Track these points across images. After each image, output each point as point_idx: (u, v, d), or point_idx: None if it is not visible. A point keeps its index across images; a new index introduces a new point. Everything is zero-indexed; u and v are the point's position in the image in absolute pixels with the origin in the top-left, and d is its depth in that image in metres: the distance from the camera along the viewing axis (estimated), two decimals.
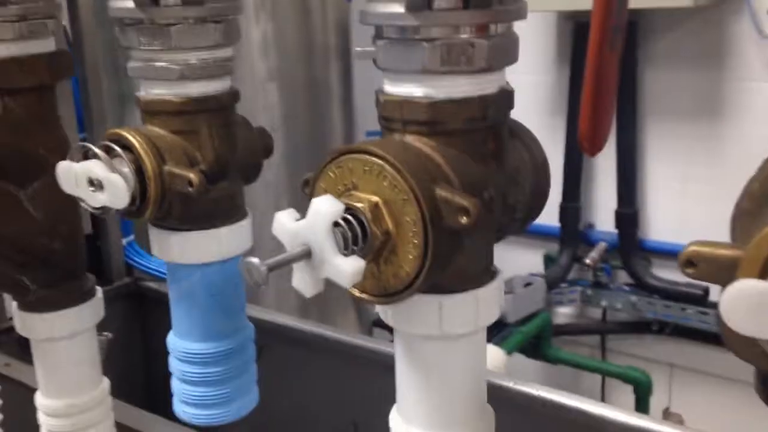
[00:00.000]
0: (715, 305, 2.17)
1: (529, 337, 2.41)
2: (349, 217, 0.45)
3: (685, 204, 2.50)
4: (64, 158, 0.73)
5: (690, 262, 0.40)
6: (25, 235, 0.75)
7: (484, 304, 0.51)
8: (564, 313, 2.73)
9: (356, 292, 0.49)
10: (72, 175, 0.60)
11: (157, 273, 1.54)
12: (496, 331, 2.34)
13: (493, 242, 0.52)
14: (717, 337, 2.41)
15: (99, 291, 0.83)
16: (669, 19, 2.34)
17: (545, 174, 0.54)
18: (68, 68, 0.75)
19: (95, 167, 0.58)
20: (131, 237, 1.56)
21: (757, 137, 2.23)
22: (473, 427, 0.54)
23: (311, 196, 0.49)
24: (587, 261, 2.57)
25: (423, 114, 0.48)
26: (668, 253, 2.47)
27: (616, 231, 2.55)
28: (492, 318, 0.53)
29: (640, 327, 2.60)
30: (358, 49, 0.50)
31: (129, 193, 0.58)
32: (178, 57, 0.60)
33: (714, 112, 2.37)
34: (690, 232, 2.55)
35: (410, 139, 0.48)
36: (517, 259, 2.69)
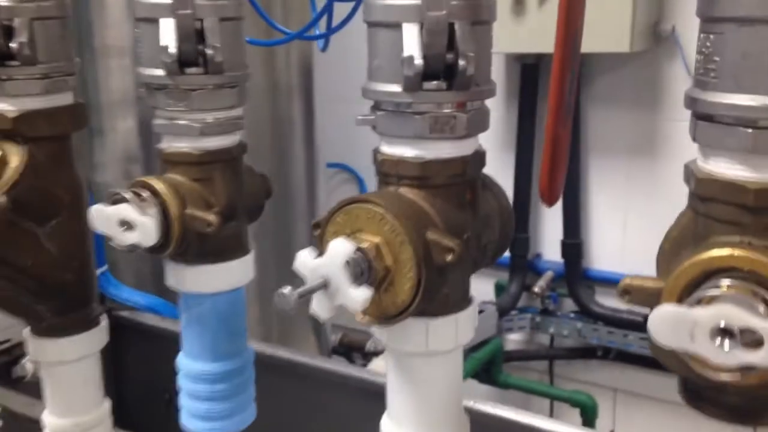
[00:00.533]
0: None
1: (481, 363, 2.53)
2: (357, 256, 0.57)
3: (626, 235, 2.67)
4: (79, 199, 0.83)
5: (625, 291, 0.52)
6: (42, 267, 0.84)
7: (462, 325, 0.63)
8: (514, 340, 2.87)
9: (360, 317, 0.60)
10: (104, 216, 0.70)
11: (129, 302, 1.62)
12: None
13: (469, 275, 0.65)
14: (657, 362, 2.58)
15: (104, 319, 0.92)
16: (609, 63, 2.53)
17: (510, 219, 0.67)
18: (85, 119, 0.85)
19: (127, 210, 0.69)
20: (105, 267, 1.63)
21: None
22: (454, 428, 0.66)
23: (321, 237, 0.60)
24: (535, 289, 2.71)
25: (415, 171, 0.60)
26: (611, 282, 2.63)
27: (562, 260, 2.70)
28: (468, 337, 0.64)
29: (585, 352, 2.75)
30: (359, 117, 0.62)
31: (158, 234, 0.68)
32: (198, 116, 0.71)
33: (651, 149, 2.56)
34: (630, 262, 2.74)
35: (403, 190, 0.60)
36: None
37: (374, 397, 0.78)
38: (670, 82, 2.47)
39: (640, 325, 2.60)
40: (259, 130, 2.13)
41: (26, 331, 0.89)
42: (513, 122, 2.68)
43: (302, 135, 2.33)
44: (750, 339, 0.45)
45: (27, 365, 1.37)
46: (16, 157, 0.81)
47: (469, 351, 2.52)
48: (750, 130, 0.46)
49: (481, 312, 2.64)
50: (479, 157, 0.62)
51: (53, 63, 0.81)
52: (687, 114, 2.14)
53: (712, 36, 0.48)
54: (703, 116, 0.50)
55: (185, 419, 0.81)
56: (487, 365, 2.56)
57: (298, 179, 2.23)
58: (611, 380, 2.73)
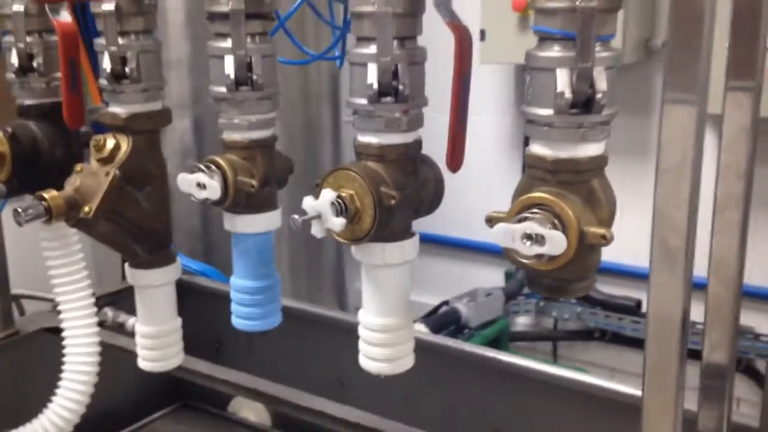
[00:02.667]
0: (645, 315, 2.76)
1: (488, 340, 2.95)
2: (339, 200, 1.00)
3: (621, 229, 3.05)
4: (164, 173, 1.28)
5: (489, 220, 0.94)
6: (140, 219, 1.29)
7: (407, 248, 1.07)
8: (521, 323, 3.28)
9: (339, 238, 1.03)
10: (186, 180, 1.15)
11: (185, 267, 2.08)
12: (460, 334, 2.88)
13: (411, 216, 1.08)
14: None
15: (178, 258, 1.37)
16: None
17: (441, 184, 1.10)
18: (169, 118, 1.31)
19: (201, 176, 1.14)
20: None
21: None
22: (404, 314, 1.09)
23: (318, 189, 1.03)
24: None
25: (376, 151, 1.03)
26: (608, 271, 3.03)
27: None
28: (411, 256, 1.08)
29: (585, 335, 3.15)
30: (345, 118, 1.05)
31: (221, 192, 1.13)
32: (247, 117, 1.16)
33: (644, 152, 2.96)
34: (625, 252, 3.12)
35: (369, 163, 1.04)
36: (481, 275, 3.25)
37: None
38: (659, 91, 2.86)
39: (633, 310, 3.00)
40: (293, 131, 2.60)
41: (126, 265, 1.34)
42: (520, 125, 3.10)
43: (330, 137, 2.80)
44: (540, 241, 0.87)
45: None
46: (125, 144, 1.26)
47: (478, 329, 2.95)
48: (545, 128, 0.89)
49: (489, 296, 3.07)
50: (417, 143, 1.06)
51: (150, 81, 1.26)
52: None
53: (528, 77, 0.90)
54: (527, 121, 0.92)
55: (234, 320, 1.26)
56: (494, 342, 2.97)
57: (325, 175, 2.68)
58: (608, 360, 3.13)
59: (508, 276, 3.23)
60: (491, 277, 3.24)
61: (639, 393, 1.50)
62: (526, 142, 3.12)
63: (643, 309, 2.97)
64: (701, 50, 0.74)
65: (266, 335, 2.17)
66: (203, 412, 2.14)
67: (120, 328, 1.94)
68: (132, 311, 1.92)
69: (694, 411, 1.03)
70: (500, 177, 3.07)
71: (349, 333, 1.98)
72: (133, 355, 1.78)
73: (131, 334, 1.88)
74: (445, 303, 2.94)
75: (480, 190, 2.74)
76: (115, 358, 1.63)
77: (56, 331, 1.89)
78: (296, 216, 0.98)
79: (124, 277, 2.21)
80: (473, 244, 3.20)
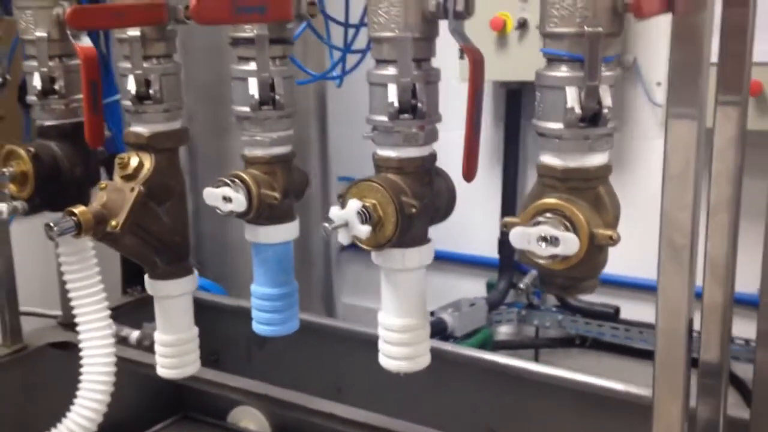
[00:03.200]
0: (624, 322, 2.90)
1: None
2: (364, 209, 1.09)
3: None
4: (183, 189, 1.36)
5: (505, 225, 1.03)
6: (160, 232, 1.36)
7: (424, 252, 1.15)
8: (503, 332, 3.37)
9: (363, 245, 1.12)
10: (213, 195, 1.22)
11: None
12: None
13: (428, 224, 1.16)
14: (626, 349, 3.07)
15: (195, 270, 1.44)
16: None
17: (453, 194, 1.19)
18: (188, 137, 1.38)
19: (226, 190, 1.21)
20: None
21: (653, 184, 2.92)
22: (421, 315, 1.18)
23: (343, 199, 1.12)
24: (521, 286, 3.23)
25: (395, 164, 1.12)
26: None
27: None
28: (428, 260, 1.16)
29: (566, 342, 3.26)
30: (365, 134, 1.14)
31: (246, 204, 1.21)
32: (268, 135, 1.24)
33: (618, 165, 3.07)
34: None
35: (389, 174, 1.12)
36: (463, 286, 3.35)
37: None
38: (633, 106, 2.99)
39: (612, 317, 3.11)
40: None
41: (146, 276, 1.41)
42: (500, 140, 3.21)
43: (318, 152, 2.88)
44: (555, 242, 0.96)
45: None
46: (148, 161, 1.33)
47: (462, 338, 3.04)
48: (556, 140, 0.98)
49: (472, 305, 3.16)
50: (432, 156, 1.15)
51: (171, 102, 1.33)
52: (649, 133, 2.94)
53: (538, 94, 1.00)
54: (539, 134, 1.02)
55: (255, 326, 1.33)
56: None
57: (314, 190, 2.77)
58: (589, 366, 3.23)
59: (490, 286, 3.33)
60: (474, 287, 3.33)
61: (630, 390, 1.61)
62: (506, 159, 3.20)
63: (622, 315, 3.09)
64: (701, 68, 0.84)
65: (264, 346, 2.24)
66: (203, 424, 2.20)
67: (123, 342, 1.99)
68: (132, 325, 1.99)
69: (692, 407, 1.12)
70: (480, 191, 3.17)
71: (346, 341, 2.07)
72: (135, 367, 1.84)
73: (134, 347, 1.94)
74: (431, 313, 3.03)
75: (462, 204, 2.82)
76: (118, 371, 1.69)
77: (63, 346, 1.95)
78: (326, 224, 1.06)
79: (124, 293, 2.28)
80: (456, 256, 3.30)
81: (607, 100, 0.96)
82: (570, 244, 0.96)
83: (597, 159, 1.00)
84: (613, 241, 0.97)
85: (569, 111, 0.96)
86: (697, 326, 1.04)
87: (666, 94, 0.90)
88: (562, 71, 0.97)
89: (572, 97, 0.96)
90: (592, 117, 0.96)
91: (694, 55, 0.85)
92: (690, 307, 0.91)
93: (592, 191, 1.00)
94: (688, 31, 0.85)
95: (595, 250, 0.98)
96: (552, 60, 0.99)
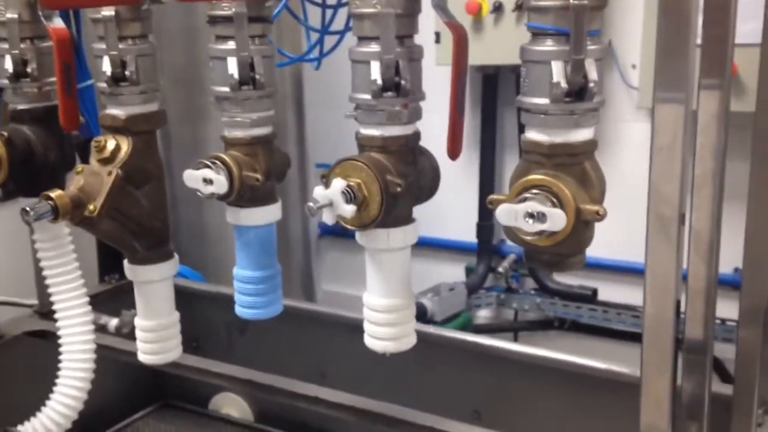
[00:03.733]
0: (602, 303, 2.91)
1: None
2: (348, 188, 1.07)
3: None
4: (161, 172, 1.33)
5: (490, 202, 1.02)
6: (139, 216, 1.33)
7: (409, 232, 1.14)
8: (483, 315, 3.38)
9: (348, 225, 1.10)
10: (193, 176, 1.20)
11: None
12: None
13: (413, 203, 1.15)
14: (604, 330, 3.09)
15: (175, 254, 1.41)
16: None
17: (437, 173, 1.18)
18: (165, 120, 1.36)
19: (207, 172, 1.19)
20: None
21: (629, 165, 2.93)
22: (406, 295, 1.17)
23: (327, 179, 1.10)
24: (500, 270, 3.24)
25: (379, 143, 1.10)
26: None
27: None
28: (413, 240, 1.15)
29: (545, 324, 3.27)
30: (348, 113, 1.12)
31: (227, 186, 1.18)
32: (248, 115, 1.22)
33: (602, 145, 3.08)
34: None
35: (373, 153, 1.11)
36: (442, 271, 3.35)
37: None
38: (609, 88, 3.00)
39: (589, 298, 3.13)
40: None
41: (125, 261, 1.39)
42: (477, 125, 3.21)
43: (295, 137, 2.86)
44: (542, 218, 0.95)
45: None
46: (125, 144, 1.30)
47: (443, 322, 3.04)
48: (542, 116, 0.98)
49: (452, 290, 3.16)
50: (416, 134, 1.13)
51: (148, 83, 1.31)
52: (625, 115, 2.93)
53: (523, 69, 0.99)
54: (524, 110, 1.01)
55: (238, 310, 1.31)
56: None
57: (292, 175, 2.72)
58: (568, 347, 3.25)
59: (469, 271, 3.33)
60: (453, 272, 3.33)
61: (611, 368, 1.62)
62: (483, 144, 3.19)
63: (600, 297, 3.11)
64: (689, 40, 0.83)
65: (245, 332, 2.22)
66: (184, 411, 2.18)
67: (102, 330, 1.96)
68: (110, 313, 1.96)
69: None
70: (458, 176, 3.17)
71: (328, 325, 2.06)
72: (114, 355, 1.82)
73: (112, 335, 1.92)
74: None
75: (440, 189, 2.83)
76: (97, 359, 1.66)
77: (39, 335, 1.91)
78: (311, 204, 1.05)
79: (101, 281, 2.24)
80: (435, 241, 3.29)
81: (593, 74, 0.95)
82: (557, 219, 0.95)
83: (583, 134, 0.99)
84: (600, 216, 0.97)
85: (555, 86, 0.95)
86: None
87: (654, 73, 0.89)
88: (548, 45, 0.96)
89: (558, 71, 0.95)
90: (578, 91, 0.96)
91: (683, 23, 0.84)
92: (678, 280, 0.91)
93: (578, 167, 1.00)
94: (675, 12, 0.84)
95: (582, 226, 0.98)
96: (537, 34, 0.98)
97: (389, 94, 1.08)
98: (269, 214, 1.28)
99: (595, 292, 3.11)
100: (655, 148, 0.86)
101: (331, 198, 1.06)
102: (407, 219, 1.15)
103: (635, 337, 1.91)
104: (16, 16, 1.37)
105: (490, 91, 3.15)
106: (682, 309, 1.04)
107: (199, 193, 1.21)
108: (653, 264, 0.90)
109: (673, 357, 0.95)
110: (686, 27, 0.92)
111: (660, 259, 0.89)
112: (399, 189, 1.08)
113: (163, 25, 2.49)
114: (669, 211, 0.87)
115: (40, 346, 1.88)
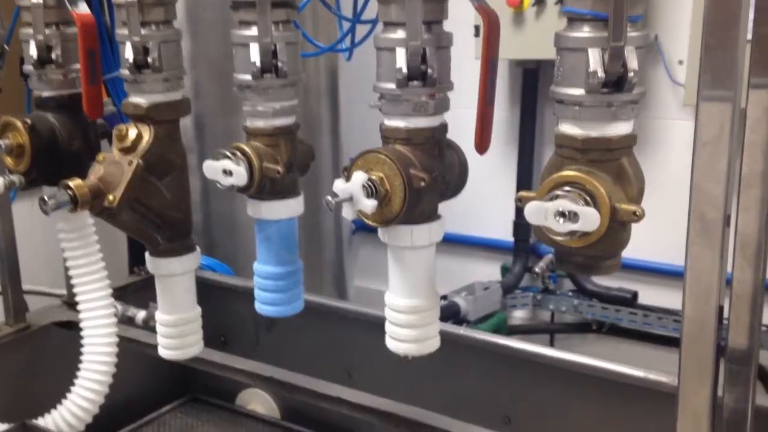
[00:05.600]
0: (642, 307, 2.81)
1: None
2: (369, 182, 1.01)
3: None
4: (184, 162, 1.29)
5: (519, 199, 0.96)
6: (161, 207, 1.29)
7: (434, 229, 1.08)
8: (518, 316, 3.30)
9: (369, 221, 1.05)
10: (212, 167, 1.15)
11: None
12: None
13: (438, 199, 1.09)
14: (644, 334, 2.99)
15: (197, 247, 1.37)
16: None
17: (465, 167, 1.11)
18: (189, 108, 1.31)
19: (227, 163, 1.14)
20: None
21: (673, 163, 2.83)
22: (430, 296, 1.10)
23: (348, 172, 1.04)
24: (537, 270, 3.15)
25: (403, 134, 1.04)
26: None
27: None
28: (438, 238, 1.09)
29: (582, 327, 3.18)
30: (371, 103, 1.06)
31: (247, 178, 1.14)
32: (271, 105, 1.17)
33: (641, 143, 2.98)
34: None
35: (397, 146, 1.05)
36: (477, 270, 3.27)
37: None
38: (655, 85, 2.89)
39: (629, 302, 3.03)
40: None
41: (147, 254, 1.35)
42: (516, 121, 3.12)
43: (329, 130, 2.81)
44: (574, 218, 0.89)
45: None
46: (147, 133, 1.26)
47: (476, 322, 2.97)
48: (576, 108, 0.91)
49: (486, 289, 3.09)
50: (443, 127, 1.07)
51: (171, 71, 1.26)
52: (670, 112, 2.81)
53: (558, 58, 0.92)
54: (557, 101, 0.94)
55: (258, 306, 1.26)
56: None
57: (325, 169, 2.69)
58: (606, 352, 3.15)
59: (505, 270, 3.25)
60: (488, 271, 3.26)
61: (649, 376, 1.53)
62: (522, 140, 3.12)
63: (640, 300, 3.01)
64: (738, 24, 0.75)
65: (273, 328, 2.18)
66: (212, 405, 2.14)
67: (130, 322, 1.94)
68: (138, 305, 1.93)
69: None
70: (495, 173, 3.09)
71: (356, 323, 2.00)
72: (142, 348, 1.79)
73: (141, 327, 1.89)
74: (444, 297, 2.96)
75: (475, 186, 2.73)
76: (125, 352, 1.64)
77: (67, 326, 1.89)
78: (329, 198, 0.99)
79: (131, 272, 2.22)
80: (470, 239, 3.22)
81: (632, 63, 0.88)
82: (590, 219, 0.88)
83: (621, 128, 0.92)
84: (637, 216, 0.89)
85: (591, 75, 0.88)
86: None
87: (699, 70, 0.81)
88: (585, 32, 0.89)
89: (595, 59, 0.88)
90: (616, 81, 0.88)
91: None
92: (721, 286, 0.84)
93: (614, 163, 0.93)
94: (723, 12, 0.76)
95: (617, 227, 0.90)
96: (573, 20, 0.91)
97: (415, 83, 1.02)
98: (291, 208, 1.23)
99: (635, 295, 3.00)
100: (699, 144, 0.79)
101: (351, 192, 1.01)
102: (432, 215, 1.09)
103: (677, 343, 1.82)
104: (41, 0, 1.33)
105: (531, 87, 3.06)
106: (725, 315, 0.97)
107: (218, 185, 1.17)
108: (693, 266, 0.82)
109: (714, 366, 0.87)
110: (734, 22, 0.84)
111: (701, 262, 0.82)
112: (423, 184, 1.01)
113: (200, 15, 2.46)
114: (712, 211, 0.80)
115: (68, 337, 1.85)
